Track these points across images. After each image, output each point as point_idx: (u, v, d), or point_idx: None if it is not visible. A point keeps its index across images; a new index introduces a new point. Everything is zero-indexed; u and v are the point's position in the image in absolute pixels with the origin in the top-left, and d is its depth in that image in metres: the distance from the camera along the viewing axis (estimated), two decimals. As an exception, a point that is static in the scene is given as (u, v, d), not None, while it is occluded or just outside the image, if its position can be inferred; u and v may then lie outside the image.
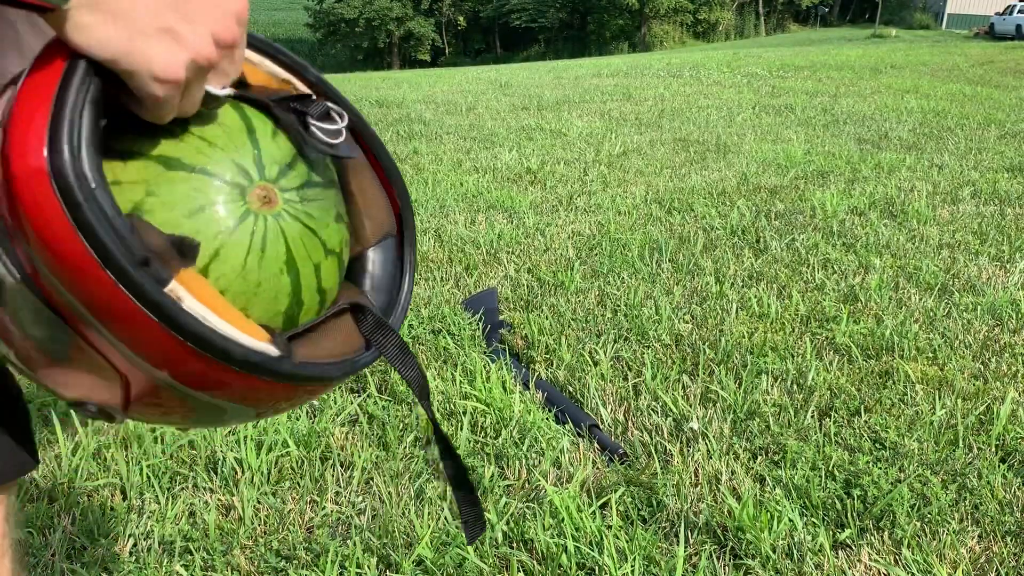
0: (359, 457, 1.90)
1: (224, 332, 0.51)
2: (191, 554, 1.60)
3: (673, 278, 3.11)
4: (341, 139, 0.64)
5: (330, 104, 0.64)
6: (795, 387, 2.23)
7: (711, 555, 1.59)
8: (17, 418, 0.73)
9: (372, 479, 1.85)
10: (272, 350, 0.55)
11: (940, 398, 2.14)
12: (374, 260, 0.71)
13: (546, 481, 1.79)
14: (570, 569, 1.54)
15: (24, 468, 0.73)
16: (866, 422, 2.03)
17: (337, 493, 1.80)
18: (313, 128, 0.62)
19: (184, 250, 0.52)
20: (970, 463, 1.85)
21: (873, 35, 33.72)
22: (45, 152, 0.47)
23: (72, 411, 2.00)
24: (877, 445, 1.94)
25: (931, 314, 2.73)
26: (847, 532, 1.63)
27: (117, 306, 0.48)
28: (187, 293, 0.50)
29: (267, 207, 0.57)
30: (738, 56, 16.76)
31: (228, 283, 0.55)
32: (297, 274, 0.60)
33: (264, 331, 0.56)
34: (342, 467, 1.89)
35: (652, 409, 2.13)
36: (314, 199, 0.61)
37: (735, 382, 2.24)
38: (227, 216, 0.55)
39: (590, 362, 2.39)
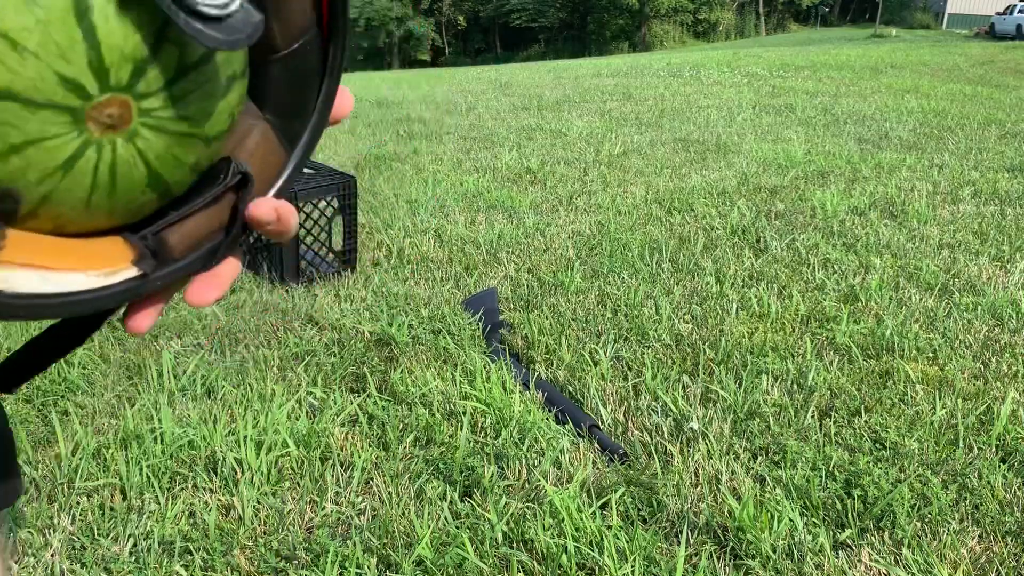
0: (359, 457, 1.90)
1: (63, 288, 0.41)
2: (191, 554, 1.60)
3: (673, 278, 3.11)
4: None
5: None
6: (795, 387, 2.23)
7: (711, 555, 1.59)
8: (2, 445, 0.69)
9: (372, 479, 1.85)
10: (130, 273, 0.44)
11: (940, 398, 2.14)
12: (279, 74, 0.52)
13: (546, 481, 1.79)
14: (570, 569, 1.54)
15: (7, 499, 0.67)
16: (866, 422, 2.03)
17: (337, 493, 1.80)
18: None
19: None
20: (970, 463, 1.85)
21: (873, 35, 33.71)
22: None
23: None
24: (877, 445, 1.94)
25: (931, 314, 2.72)
26: (847, 532, 1.63)
27: None
28: (5, 269, 0.39)
29: (114, 131, 0.41)
30: (738, 56, 16.76)
31: (68, 219, 0.43)
32: (167, 184, 0.46)
33: (120, 245, 0.45)
34: (342, 467, 1.89)
35: (652, 409, 2.12)
36: (191, 90, 0.43)
37: (735, 382, 2.24)
38: (51, 156, 0.40)
39: (590, 362, 2.39)
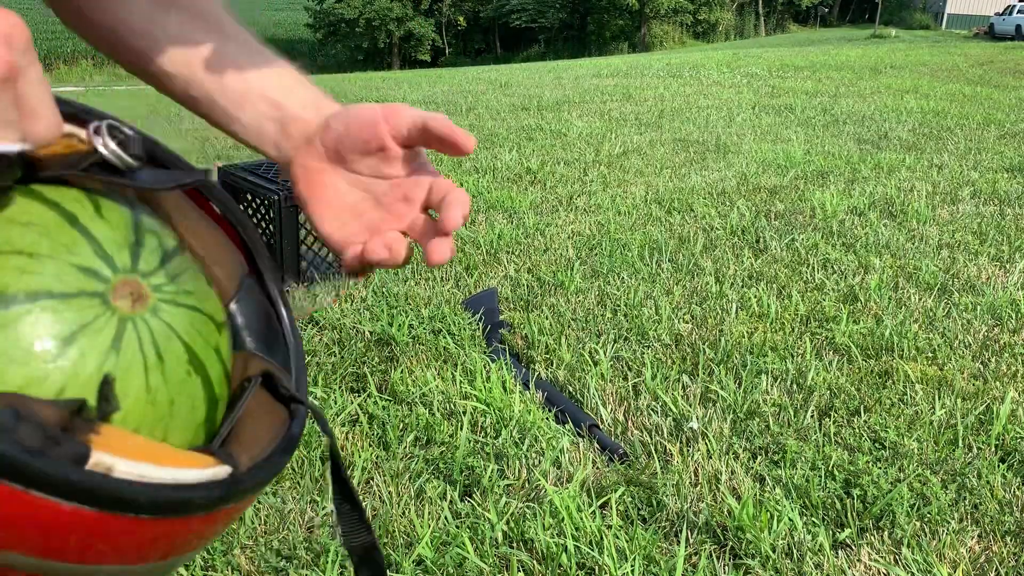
0: (359, 457, 1.90)
1: (176, 480, 0.41)
2: (191, 554, 1.60)
3: (673, 278, 3.11)
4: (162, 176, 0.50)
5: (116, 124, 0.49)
6: (795, 387, 2.23)
7: (711, 555, 1.59)
8: None
9: (372, 479, 1.85)
10: (223, 471, 0.44)
11: (940, 398, 2.14)
12: (243, 311, 0.58)
13: (546, 481, 1.79)
14: (570, 569, 1.54)
15: None
16: (866, 422, 2.03)
17: (337, 493, 1.80)
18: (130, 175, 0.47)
19: (79, 406, 0.40)
20: (970, 463, 1.85)
21: (873, 35, 33.71)
22: None
23: None
24: (877, 445, 1.94)
25: (931, 314, 2.73)
26: (847, 532, 1.63)
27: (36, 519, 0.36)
28: (110, 455, 0.39)
29: (140, 305, 0.45)
30: (738, 56, 16.76)
31: (139, 418, 0.44)
32: (204, 368, 0.49)
33: (199, 455, 0.45)
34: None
35: (652, 409, 2.13)
36: (182, 270, 0.49)
37: (735, 382, 2.25)
38: (100, 339, 0.42)
39: (590, 362, 2.39)
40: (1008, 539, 1.62)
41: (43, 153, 0.44)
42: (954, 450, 1.91)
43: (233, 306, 0.57)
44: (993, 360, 2.39)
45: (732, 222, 3.84)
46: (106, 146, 0.46)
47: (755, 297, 2.87)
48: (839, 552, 1.60)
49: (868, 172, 5.03)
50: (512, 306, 2.88)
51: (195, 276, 0.51)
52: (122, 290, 0.45)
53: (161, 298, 0.47)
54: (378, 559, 0.59)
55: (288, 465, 1.88)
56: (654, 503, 1.73)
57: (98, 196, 0.47)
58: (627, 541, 1.59)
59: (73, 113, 0.48)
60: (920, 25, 40.29)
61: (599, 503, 1.72)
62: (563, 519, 1.64)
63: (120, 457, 0.39)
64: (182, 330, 0.47)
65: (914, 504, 1.71)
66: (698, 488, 1.78)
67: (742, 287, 3.01)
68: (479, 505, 1.73)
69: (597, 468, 1.87)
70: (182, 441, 0.47)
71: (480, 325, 2.65)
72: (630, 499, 1.74)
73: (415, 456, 1.92)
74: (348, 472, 1.85)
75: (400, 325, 2.59)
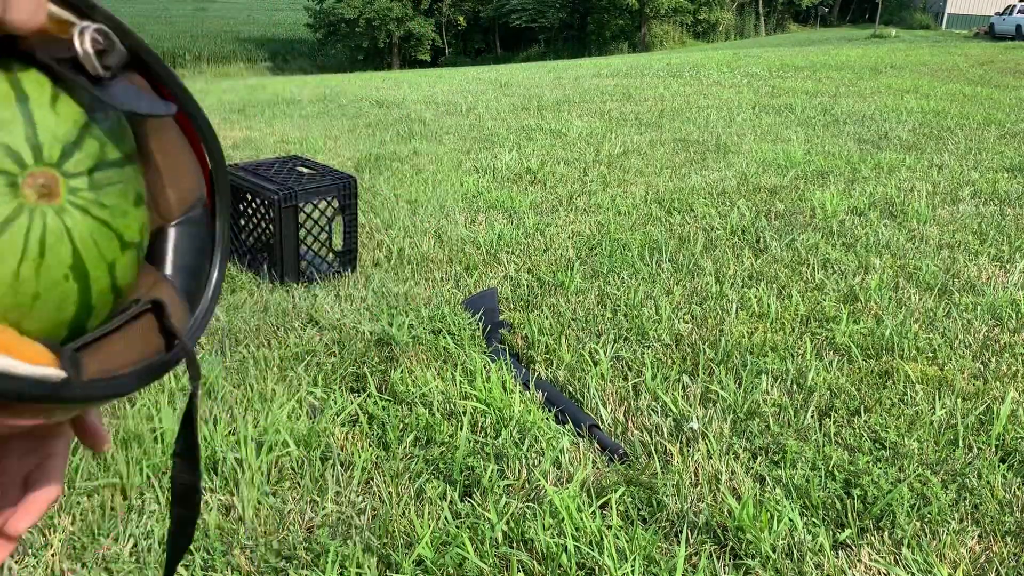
0: (359, 457, 1.90)
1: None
2: (191, 554, 1.60)
3: (673, 278, 3.11)
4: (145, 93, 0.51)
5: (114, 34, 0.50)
6: (795, 387, 2.23)
7: (711, 555, 1.59)
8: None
9: (372, 479, 1.85)
10: (55, 374, 0.46)
11: (940, 398, 2.14)
12: (179, 237, 0.60)
13: (546, 481, 1.79)
14: (570, 569, 1.54)
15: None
16: (866, 422, 2.03)
17: (337, 493, 1.80)
18: (108, 84, 0.49)
19: None
20: (970, 463, 1.85)
21: (873, 35, 33.71)
22: None
23: None
24: (877, 445, 1.94)
25: (931, 314, 2.73)
26: (847, 532, 1.63)
27: None
28: None
29: (47, 200, 0.46)
30: (738, 56, 16.76)
31: None
32: (87, 278, 0.50)
33: (44, 349, 0.46)
34: (342, 467, 1.89)
35: (652, 409, 2.13)
36: (109, 183, 0.50)
37: (735, 382, 2.24)
38: None
39: (590, 362, 2.39)
40: (1008, 539, 1.62)
41: (27, 30, 0.45)
42: (954, 450, 1.91)
43: (172, 229, 0.59)
44: (993, 360, 2.38)
45: (732, 222, 3.84)
46: (83, 47, 0.47)
47: (755, 297, 2.87)
48: (839, 552, 1.60)
49: (868, 172, 5.03)
50: (512, 306, 2.88)
51: (123, 192, 0.52)
52: (34, 180, 0.45)
53: (72, 201, 0.47)
54: (196, 501, 0.62)
55: (294, 457, 1.88)
56: (654, 503, 1.73)
57: (62, 88, 0.48)
58: (627, 541, 1.59)
59: (80, 3, 0.49)
60: (920, 25, 40.28)
61: (599, 503, 1.72)
62: (563, 519, 1.64)
63: None
64: (78, 236, 0.48)
65: (914, 504, 1.71)
66: (698, 488, 1.78)
67: (742, 287, 3.01)
68: (479, 505, 1.73)
69: (597, 468, 1.87)
70: (36, 330, 0.47)
71: (480, 325, 2.65)
72: (630, 499, 1.74)
73: (415, 456, 1.92)
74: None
75: (400, 325, 2.59)
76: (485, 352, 2.48)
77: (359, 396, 2.20)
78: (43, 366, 0.45)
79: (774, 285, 3.02)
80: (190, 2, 56.81)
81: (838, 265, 3.23)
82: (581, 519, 1.65)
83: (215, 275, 0.61)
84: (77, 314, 0.50)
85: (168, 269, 0.59)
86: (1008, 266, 3.23)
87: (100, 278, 0.50)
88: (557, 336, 2.56)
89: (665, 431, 2.01)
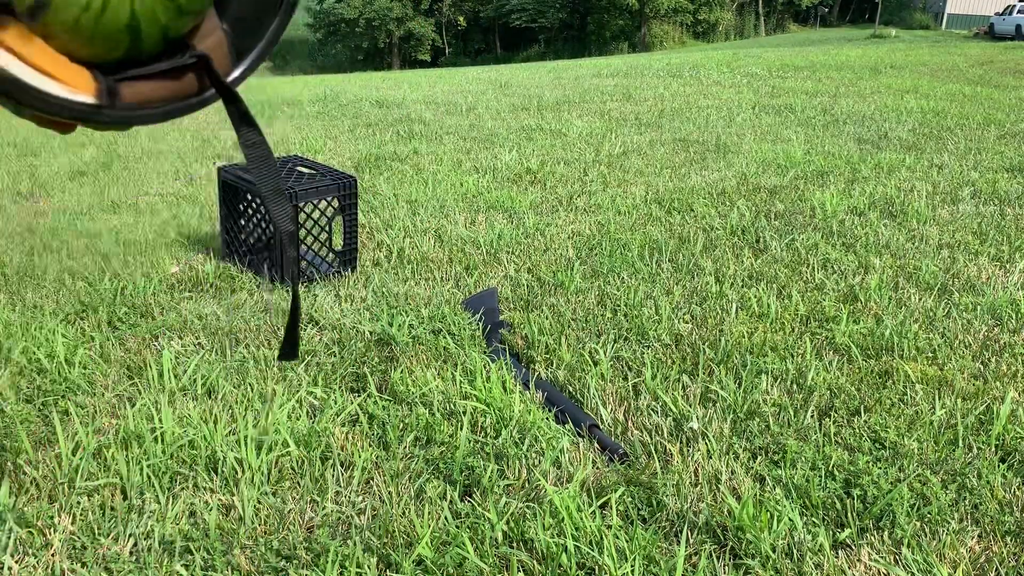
0: (359, 457, 1.90)
1: (40, 87, 0.50)
2: (191, 554, 1.60)
3: (673, 278, 3.11)
4: None
5: None
6: (795, 387, 2.23)
7: (711, 555, 1.59)
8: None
9: (372, 479, 1.85)
10: (88, 100, 0.54)
11: (940, 398, 2.14)
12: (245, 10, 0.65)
13: (546, 481, 1.79)
14: (570, 569, 1.54)
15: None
16: (866, 422, 2.03)
17: (337, 493, 1.80)
18: None
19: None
20: (970, 463, 1.85)
21: (873, 35, 33.71)
22: None
23: None
24: (877, 445, 1.94)
25: (931, 314, 2.73)
26: (847, 532, 1.63)
27: None
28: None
29: None
30: (738, 56, 16.76)
31: (54, 31, 0.52)
32: (139, 34, 0.56)
33: (89, 77, 0.54)
34: (342, 467, 1.89)
35: (652, 409, 2.13)
36: None
37: (735, 382, 2.25)
38: None
39: (590, 362, 2.39)
40: (1008, 539, 1.62)
41: None
42: (954, 450, 1.91)
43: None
44: (993, 360, 2.39)
45: (732, 222, 3.84)
46: None
47: (755, 297, 2.87)
48: (839, 552, 1.60)
49: (868, 172, 5.03)
50: (512, 306, 2.88)
51: None
52: None
53: None
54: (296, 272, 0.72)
55: (294, 457, 1.88)
56: (654, 503, 1.73)
57: None
58: (627, 541, 1.59)
59: None
60: (920, 25, 40.27)
61: (599, 503, 1.72)
62: (563, 519, 1.64)
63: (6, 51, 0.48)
64: (139, 3, 0.54)
65: (914, 504, 1.71)
66: (698, 488, 1.78)
67: (742, 287, 3.01)
68: (479, 505, 1.73)
69: (597, 468, 1.87)
70: (88, 57, 0.55)
71: (480, 325, 2.65)
72: (630, 499, 1.74)
73: (415, 456, 1.92)
74: (346, 471, 1.85)
75: (400, 325, 2.59)
76: (485, 352, 2.48)
77: (359, 396, 2.20)
78: (83, 94, 0.53)
79: (774, 285, 3.02)
80: (190, 2, 56.65)
81: (838, 265, 3.23)
82: (581, 519, 1.65)
83: (273, 25, 0.66)
84: (127, 54, 0.57)
85: (227, 20, 0.65)
86: (1008, 266, 3.23)
87: (152, 34, 0.57)
88: (557, 336, 2.56)
89: (665, 431, 2.01)
